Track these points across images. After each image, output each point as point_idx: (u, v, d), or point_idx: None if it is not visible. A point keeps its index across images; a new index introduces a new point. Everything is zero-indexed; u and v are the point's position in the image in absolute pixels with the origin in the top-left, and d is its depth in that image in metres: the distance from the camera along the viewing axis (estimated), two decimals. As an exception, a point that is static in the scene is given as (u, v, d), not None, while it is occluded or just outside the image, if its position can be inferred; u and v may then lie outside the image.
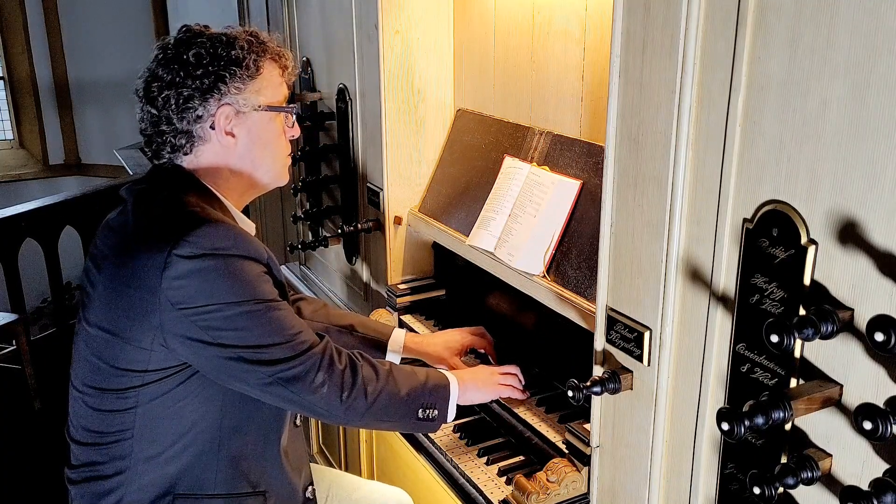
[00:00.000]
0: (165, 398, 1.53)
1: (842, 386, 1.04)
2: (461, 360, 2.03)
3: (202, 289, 1.44)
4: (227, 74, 1.56)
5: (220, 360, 1.48)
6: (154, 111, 1.57)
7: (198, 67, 1.55)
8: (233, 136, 1.60)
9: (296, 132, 1.73)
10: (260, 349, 1.48)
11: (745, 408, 1.02)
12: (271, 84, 1.64)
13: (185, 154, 1.60)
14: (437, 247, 2.43)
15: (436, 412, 1.68)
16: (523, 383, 1.89)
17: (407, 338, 2.04)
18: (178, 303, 1.43)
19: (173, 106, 1.55)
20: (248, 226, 1.69)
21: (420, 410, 1.66)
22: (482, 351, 2.09)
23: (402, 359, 2.04)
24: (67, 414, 1.65)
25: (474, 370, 1.86)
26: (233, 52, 1.57)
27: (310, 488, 1.79)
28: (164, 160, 1.61)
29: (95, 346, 1.54)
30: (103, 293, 1.52)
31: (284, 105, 1.67)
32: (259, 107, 1.61)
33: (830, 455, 1.08)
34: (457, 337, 2.06)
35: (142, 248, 1.46)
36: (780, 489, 1.05)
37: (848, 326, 1.01)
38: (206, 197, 1.58)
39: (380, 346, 2.02)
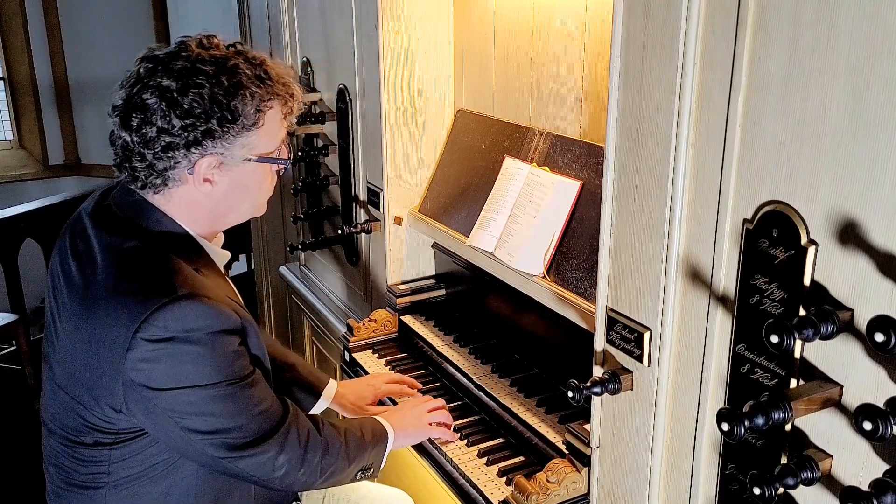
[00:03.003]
0: (138, 459, 1.47)
1: (842, 386, 1.04)
2: (374, 408, 1.97)
3: (169, 373, 1.35)
4: (221, 130, 1.39)
5: (181, 440, 1.42)
6: (128, 139, 1.40)
7: (189, 115, 1.37)
8: (211, 182, 1.44)
9: (283, 168, 1.55)
10: (224, 434, 1.41)
11: (745, 408, 1.02)
12: (269, 132, 1.46)
13: (156, 193, 1.45)
14: (437, 247, 2.43)
15: (371, 470, 1.68)
16: (452, 424, 1.87)
17: (338, 389, 1.98)
18: (141, 383, 1.35)
19: (149, 145, 1.39)
20: (222, 257, 1.57)
21: (360, 473, 1.65)
22: (401, 398, 2.02)
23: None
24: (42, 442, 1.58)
25: (403, 413, 1.81)
26: (234, 103, 1.39)
27: None
28: (132, 192, 1.47)
29: (62, 398, 1.47)
30: (64, 350, 1.45)
31: (277, 156, 1.51)
32: (249, 159, 1.45)
33: (830, 455, 1.08)
34: (372, 386, 2.01)
35: (106, 319, 1.35)
36: (780, 490, 1.05)
37: (848, 327, 1.01)
38: (177, 243, 1.46)
39: (316, 391, 1.94)
